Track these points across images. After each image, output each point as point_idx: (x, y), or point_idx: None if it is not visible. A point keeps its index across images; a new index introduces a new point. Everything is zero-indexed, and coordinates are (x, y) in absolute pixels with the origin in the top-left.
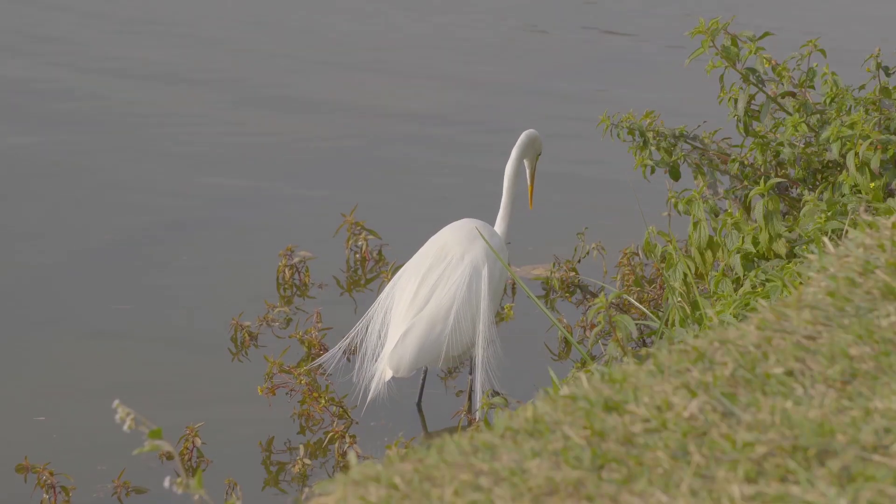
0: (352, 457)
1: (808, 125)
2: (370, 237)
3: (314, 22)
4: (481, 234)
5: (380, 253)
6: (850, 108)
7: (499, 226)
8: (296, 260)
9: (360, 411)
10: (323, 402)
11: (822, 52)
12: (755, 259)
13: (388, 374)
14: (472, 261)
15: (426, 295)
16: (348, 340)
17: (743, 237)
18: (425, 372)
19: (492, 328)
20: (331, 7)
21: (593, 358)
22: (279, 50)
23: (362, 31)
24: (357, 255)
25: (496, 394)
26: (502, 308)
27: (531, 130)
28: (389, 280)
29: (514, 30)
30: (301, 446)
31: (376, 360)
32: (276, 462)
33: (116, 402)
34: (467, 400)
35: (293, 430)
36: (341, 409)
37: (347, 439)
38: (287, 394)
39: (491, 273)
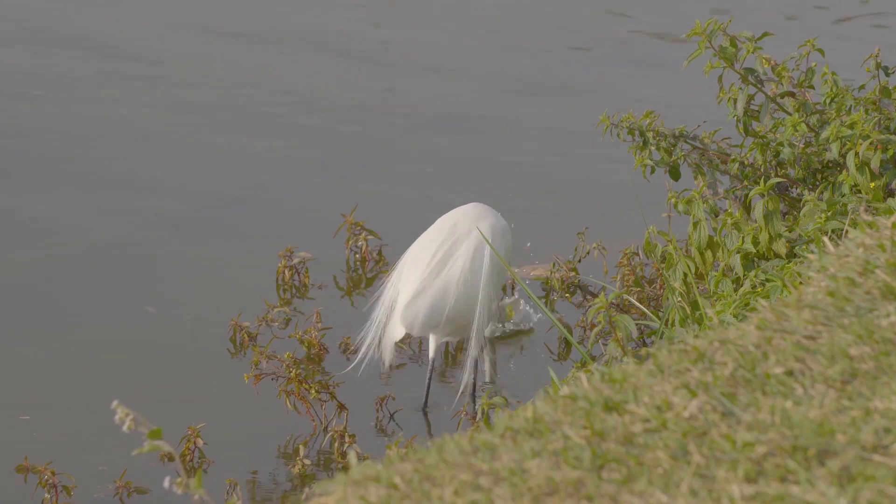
0: (352, 457)
1: (807, 125)
2: (370, 237)
3: (313, 20)
4: (480, 234)
5: (380, 253)
6: (850, 108)
7: None
8: (295, 261)
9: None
10: (313, 392)
11: (821, 51)
12: (755, 259)
13: (401, 333)
14: (478, 237)
15: (439, 264)
16: (368, 342)
17: (743, 237)
18: (430, 373)
19: (493, 305)
20: (329, 5)
21: (593, 358)
22: (278, 49)
23: (360, 32)
24: (357, 256)
25: (490, 387)
26: (503, 309)
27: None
28: (390, 278)
29: (514, 26)
30: (301, 446)
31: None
32: (276, 462)
33: (116, 402)
34: (472, 377)
35: (293, 431)
36: (331, 395)
37: (347, 439)
38: (273, 380)
39: (495, 253)
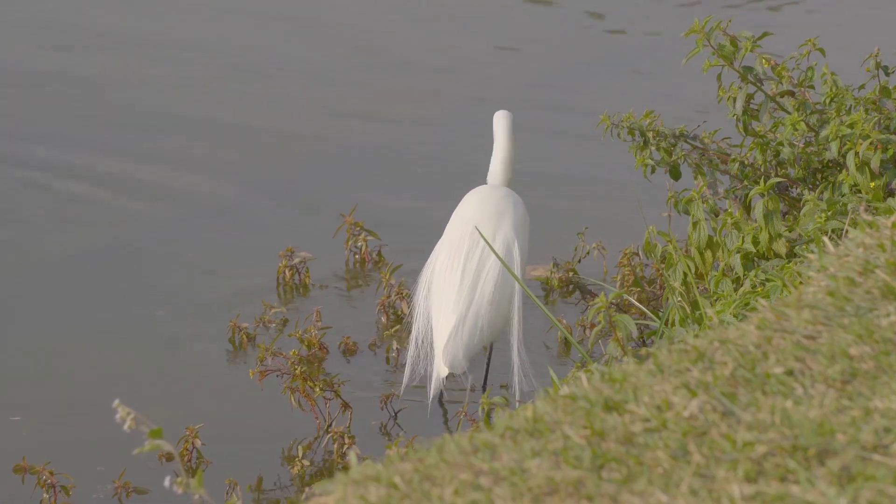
0: (352, 457)
1: (807, 124)
2: (369, 238)
3: (307, 21)
4: (487, 242)
5: (379, 254)
6: (849, 108)
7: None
8: (296, 261)
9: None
10: (318, 390)
11: (821, 51)
12: (755, 259)
13: (445, 372)
14: (504, 240)
15: (470, 285)
16: (413, 355)
17: (743, 237)
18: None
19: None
20: (323, 4)
21: (593, 358)
22: (275, 49)
23: (357, 29)
24: (357, 257)
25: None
26: None
27: (505, 112)
28: (388, 277)
29: (511, 25)
30: (301, 446)
31: (429, 356)
32: (276, 462)
33: (117, 401)
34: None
35: (294, 431)
36: (335, 393)
37: (347, 439)
38: (278, 377)
39: (521, 247)
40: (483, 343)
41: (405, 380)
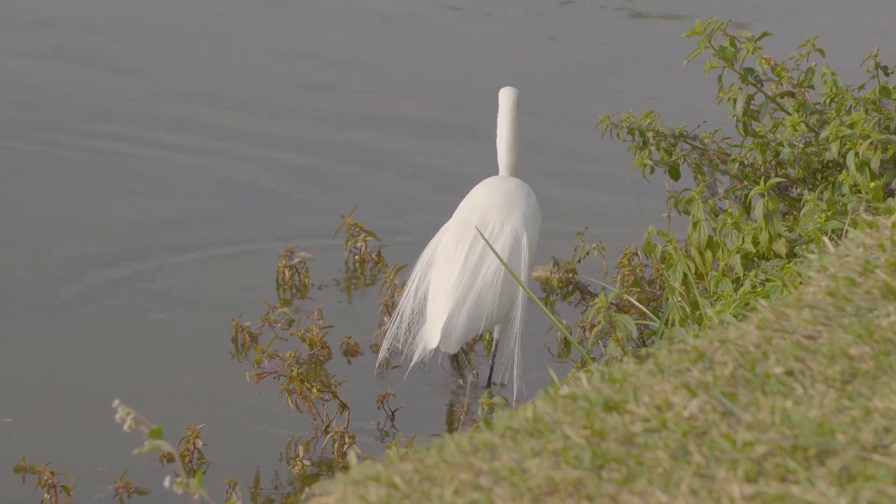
0: (352, 457)
1: (807, 125)
2: (369, 238)
3: (303, 22)
4: (487, 242)
5: (379, 254)
6: (849, 108)
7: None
8: (295, 261)
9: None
10: (315, 392)
11: (821, 51)
12: (755, 259)
13: (434, 344)
14: (513, 230)
15: (473, 268)
16: (393, 333)
17: (743, 237)
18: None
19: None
20: (318, 5)
21: (593, 358)
22: (271, 49)
23: (355, 30)
24: (356, 257)
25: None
26: None
27: (511, 88)
28: (392, 277)
29: (512, 23)
30: (300, 446)
31: (420, 331)
32: (276, 462)
33: (117, 401)
34: (490, 371)
35: (294, 431)
36: (332, 394)
37: (347, 439)
38: (275, 378)
39: (530, 239)
40: (482, 327)
41: (381, 352)
